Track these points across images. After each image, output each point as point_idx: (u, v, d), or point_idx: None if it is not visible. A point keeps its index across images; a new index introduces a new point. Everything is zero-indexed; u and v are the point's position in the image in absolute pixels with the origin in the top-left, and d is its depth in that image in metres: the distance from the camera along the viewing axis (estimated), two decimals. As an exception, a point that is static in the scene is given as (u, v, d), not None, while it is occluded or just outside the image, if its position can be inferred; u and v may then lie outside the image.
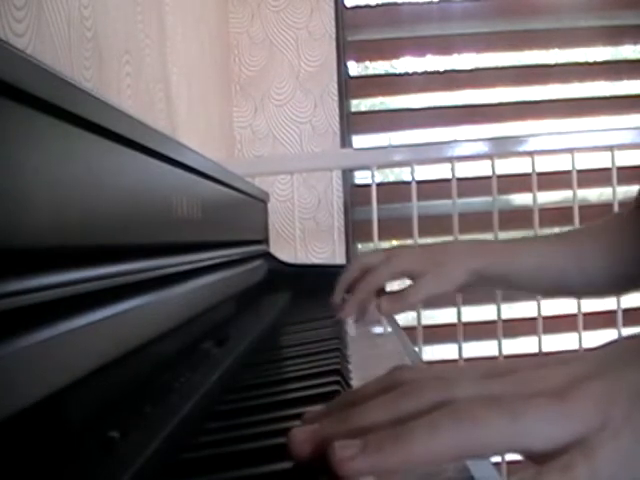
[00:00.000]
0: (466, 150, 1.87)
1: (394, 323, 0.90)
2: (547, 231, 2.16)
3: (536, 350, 1.88)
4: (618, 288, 0.84)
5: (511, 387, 0.33)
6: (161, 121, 1.25)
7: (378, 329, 0.82)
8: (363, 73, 2.38)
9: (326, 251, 2.22)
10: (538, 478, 0.30)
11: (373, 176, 1.88)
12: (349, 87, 2.31)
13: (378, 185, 1.89)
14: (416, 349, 0.77)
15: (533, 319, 1.89)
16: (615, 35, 2.32)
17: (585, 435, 0.31)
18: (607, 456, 0.31)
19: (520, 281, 0.82)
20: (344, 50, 2.29)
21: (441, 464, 0.34)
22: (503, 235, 1.95)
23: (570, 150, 1.89)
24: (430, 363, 0.70)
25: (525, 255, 0.82)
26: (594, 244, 0.82)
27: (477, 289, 0.85)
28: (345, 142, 2.27)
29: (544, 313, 1.89)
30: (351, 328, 0.83)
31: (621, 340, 0.38)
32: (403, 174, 2.27)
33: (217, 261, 0.72)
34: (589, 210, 2.06)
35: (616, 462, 0.31)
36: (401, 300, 0.79)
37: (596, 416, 0.31)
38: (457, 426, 0.31)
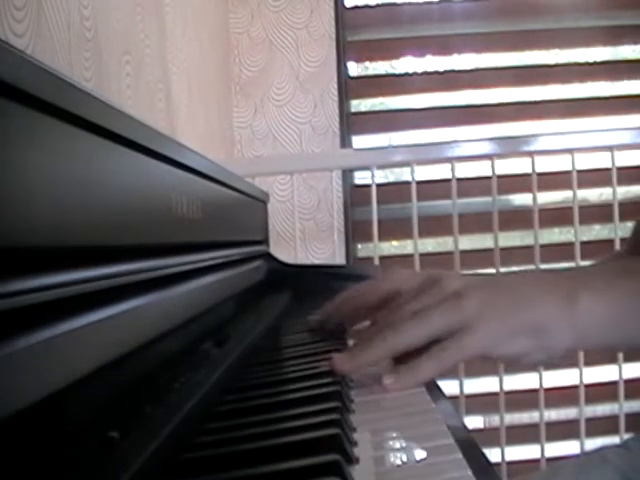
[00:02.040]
0: (466, 150, 1.87)
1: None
2: (547, 231, 2.17)
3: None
4: None
5: (432, 297, 0.54)
6: (161, 121, 1.25)
7: None
8: (363, 73, 2.38)
9: (326, 251, 2.22)
10: (438, 349, 0.51)
11: (373, 176, 1.88)
12: (349, 87, 2.31)
13: (378, 185, 1.89)
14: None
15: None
16: (615, 35, 2.32)
17: (468, 318, 0.51)
18: (480, 333, 0.51)
19: None
20: (344, 50, 2.29)
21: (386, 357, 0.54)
22: (503, 235, 1.95)
23: (570, 150, 1.89)
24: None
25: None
26: None
27: None
28: (345, 142, 2.27)
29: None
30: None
31: (511, 274, 0.63)
32: (403, 174, 2.27)
33: (217, 261, 0.72)
34: (589, 210, 2.06)
35: (486, 340, 0.51)
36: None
37: (477, 308, 0.51)
38: (393, 335, 0.52)
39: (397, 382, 0.51)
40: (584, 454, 0.73)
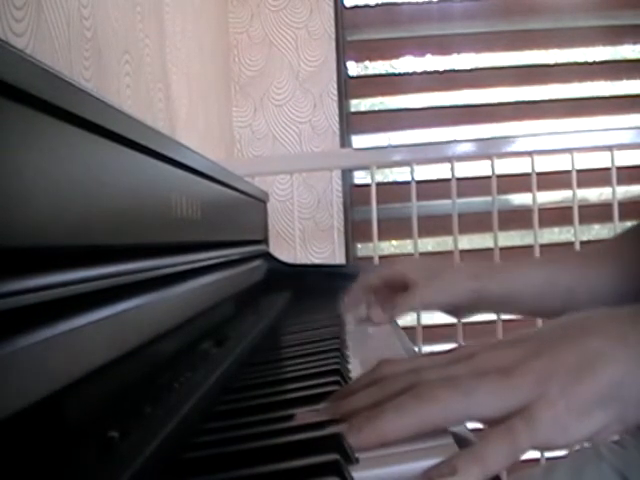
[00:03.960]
0: (466, 150, 1.87)
1: (393, 323, 0.90)
2: (547, 231, 2.17)
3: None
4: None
5: (467, 368, 0.40)
6: (161, 121, 1.25)
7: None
8: (363, 73, 2.38)
9: (326, 251, 2.22)
10: (483, 441, 0.36)
11: (373, 176, 1.88)
12: (349, 87, 2.31)
13: (378, 185, 1.89)
14: (416, 349, 0.77)
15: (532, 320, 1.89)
16: (615, 35, 2.32)
17: (526, 405, 0.37)
18: (544, 422, 0.37)
19: (523, 302, 0.78)
20: (344, 50, 2.29)
21: (412, 438, 0.37)
22: (503, 235, 1.95)
23: (570, 150, 1.89)
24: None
25: (531, 272, 0.78)
26: (601, 261, 0.77)
27: (474, 312, 0.82)
28: (345, 142, 2.27)
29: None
30: (351, 327, 0.83)
31: (561, 321, 0.44)
32: (402, 174, 2.27)
33: (216, 261, 0.72)
34: (589, 210, 2.06)
35: (553, 428, 0.37)
36: (391, 308, 0.80)
37: (535, 389, 0.38)
38: (418, 405, 0.37)
39: (461, 473, 0.34)
40: (580, 450, 0.72)
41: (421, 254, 1.90)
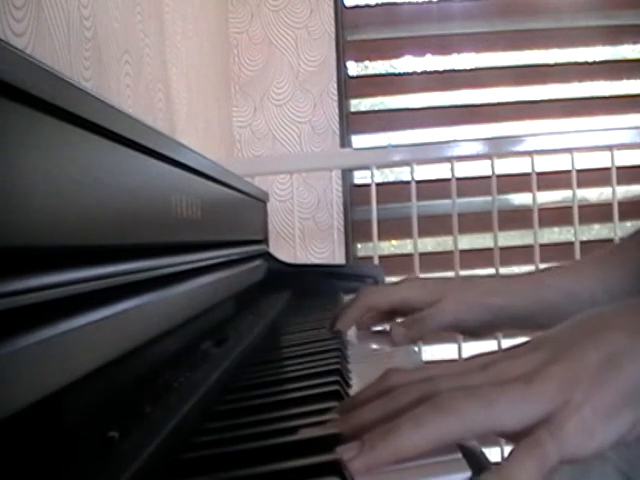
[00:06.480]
0: (465, 150, 1.87)
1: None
2: (547, 231, 2.17)
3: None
4: None
5: (485, 378, 0.38)
6: (161, 121, 1.25)
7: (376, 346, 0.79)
8: (363, 73, 2.38)
9: (326, 251, 2.22)
10: (511, 460, 0.34)
11: (373, 176, 1.88)
12: (348, 87, 2.30)
13: (378, 185, 1.89)
14: (416, 349, 0.76)
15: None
16: (615, 35, 2.32)
17: (551, 413, 0.35)
18: (571, 431, 0.35)
19: (546, 314, 0.73)
20: (343, 50, 2.28)
21: (429, 452, 0.35)
22: (503, 235, 1.95)
23: (569, 150, 1.89)
24: (430, 363, 0.68)
25: (552, 284, 0.74)
26: (618, 262, 0.74)
27: (492, 331, 0.77)
28: (344, 142, 2.27)
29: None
30: (351, 328, 0.83)
31: (577, 320, 0.42)
32: (402, 174, 2.27)
33: (216, 261, 0.72)
34: (589, 210, 2.06)
35: (579, 435, 0.35)
36: (417, 327, 0.73)
37: (559, 395, 0.36)
38: (438, 417, 0.35)
39: None
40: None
41: (421, 255, 1.90)
